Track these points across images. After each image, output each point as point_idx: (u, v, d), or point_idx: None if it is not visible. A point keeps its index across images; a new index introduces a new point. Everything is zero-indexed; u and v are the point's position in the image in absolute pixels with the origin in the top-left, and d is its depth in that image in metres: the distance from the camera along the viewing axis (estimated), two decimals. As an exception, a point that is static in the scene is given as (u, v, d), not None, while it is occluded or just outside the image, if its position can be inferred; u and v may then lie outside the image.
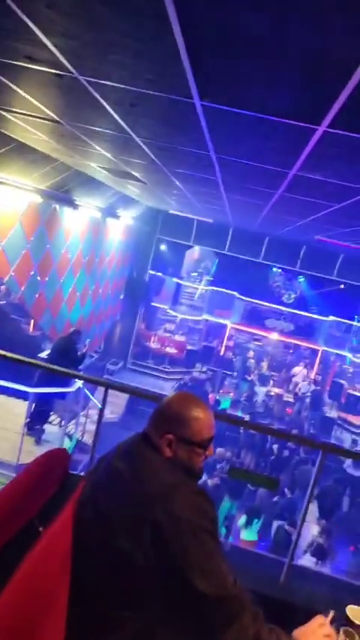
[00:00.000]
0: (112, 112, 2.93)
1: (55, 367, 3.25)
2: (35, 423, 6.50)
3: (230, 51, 1.67)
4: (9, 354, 3.14)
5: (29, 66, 2.29)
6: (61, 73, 2.27)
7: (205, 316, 16.08)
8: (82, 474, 7.40)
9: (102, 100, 2.70)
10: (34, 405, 6.33)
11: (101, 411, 2.88)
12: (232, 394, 13.02)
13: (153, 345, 14.54)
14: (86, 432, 9.31)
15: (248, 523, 6.51)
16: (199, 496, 1.18)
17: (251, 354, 15.09)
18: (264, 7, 1.32)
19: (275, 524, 6.66)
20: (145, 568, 1.12)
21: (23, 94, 2.93)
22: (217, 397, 12.41)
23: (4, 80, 2.69)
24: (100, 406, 9.31)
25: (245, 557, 3.08)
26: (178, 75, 1.98)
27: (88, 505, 1.32)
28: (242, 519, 6.60)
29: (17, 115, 3.73)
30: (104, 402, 2.95)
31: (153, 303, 15.26)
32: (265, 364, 14.50)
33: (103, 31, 1.72)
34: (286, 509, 6.90)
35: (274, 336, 15.84)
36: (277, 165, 3.39)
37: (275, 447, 9.04)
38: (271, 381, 13.67)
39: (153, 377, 13.91)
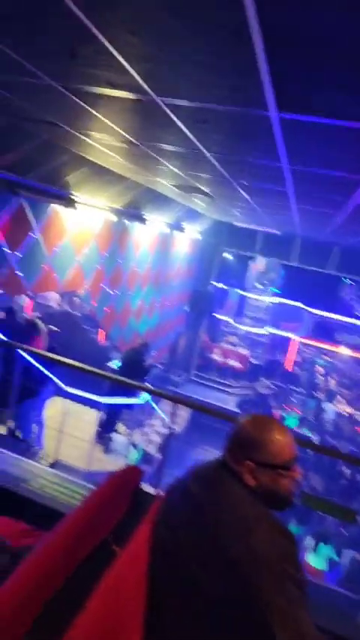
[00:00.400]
0: (185, 129, 2.97)
1: (127, 380, 3.33)
2: (104, 431, 6.70)
3: (313, 59, 1.62)
4: (86, 367, 3.27)
5: (109, 91, 2.39)
6: (139, 96, 2.34)
7: (270, 329, 15.70)
8: (151, 489, 7.48)
9: (176, 119, 2.75)
10: (103, 413, 6.52)
11: (169, 426, 2.88)
12: (298, 411, 12.53)
13: (216, 357, 14.47)
14: (150, 442, 9.43)
15: (315, 548, 6.17)
16: (282, 536, 1.10)
17: (319, 369, 14.45)
18: (347, 10, 1.27)
19: (347, 553, 6.24)
20: (217, 601, 1.07)
21: (102, 118, 3.07)
22: (283, 414, 12.00)
23: (86, 106, 2.83)
24: (164, 416, 9.41)
25: (314, 589, 2.88)
26: (255, 87, 1.96)
27: (164, 529, 1.30)
28: (309, 541, 6.28)
29: (95, 138, 3.92)
30: (173, 416, 2.94)
31: (216, 315, 15.22)
32: (333, 381, 13.81)
33: (183, 51, 1.75)
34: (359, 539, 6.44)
35: (345, 350, 15.05)
36: (356, 172, 3.24)
37: (347, 471, 8.51)
38: (341, 399, 12.97)
39: (216, 390, 13.76)
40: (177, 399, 2.96)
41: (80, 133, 3.86)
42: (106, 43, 1.80)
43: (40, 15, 1.69)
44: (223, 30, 1.51)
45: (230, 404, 12.32)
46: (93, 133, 3.71)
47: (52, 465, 6.00)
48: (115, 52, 1.87)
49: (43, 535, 2.13)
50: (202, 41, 1.61)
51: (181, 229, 10.32)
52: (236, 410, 11.31)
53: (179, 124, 2.83)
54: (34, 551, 1.47)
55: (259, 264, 16.23)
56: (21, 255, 6.39)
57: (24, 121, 4.00)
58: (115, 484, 1.87)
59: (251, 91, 2.03)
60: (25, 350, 3.58)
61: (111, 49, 1.85)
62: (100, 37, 1.74)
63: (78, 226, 7.27)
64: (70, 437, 5.93)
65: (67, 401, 6.06)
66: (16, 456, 3.85)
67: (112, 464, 6.66)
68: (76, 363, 3.29)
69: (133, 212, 7.76)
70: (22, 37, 1.95)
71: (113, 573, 1.31)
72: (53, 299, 7.38)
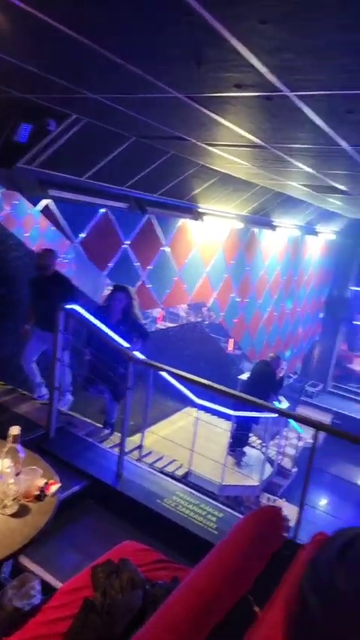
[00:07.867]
0: (321, 124, 2.65)
1: (256, 399, 3.12)
2: (235, 444, 6.54)
3: None
4: (215, 385, 3.14)
5: (237, 94, 2.23)
6: (270, 94, 2.13)
7: None
8: (286, 504, 7.07)
9: (311, 114, 2.46)
10: (234, 426, 6.38)
11: (311, 458, 2.56)
12: None
13: (357, 367, 13.30)
14: (285, 455, 8.96)
15: None
16: None
17: None
18: None
19: None
20: None
21: (228, 124, 2.93)
22: None
23: (212, 114, 2.72)
24: (299, 430, 8.82)
25: None
26: None
27: (315, 592, 1.04)
28: None
29: (221, 147, 3.82)
30: (314, 446, 2.61)
31: (356, 322, 13.98)
32: None
33: (324, 33, 1.49)
34: None
35: None
36: None
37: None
38: None
39: (356, 402, 12.70)
40: (319, 426, 2.62)
41: (206, 144, 3.80)
42: (233, 40, 1.63)
43: (163, 23, 1.61)
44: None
45: (373, 419, 11.17)
46: (218, 141, 3.61)
47: (185, 476, 6.05)
48: (242, 49, 1.70)
49: (176, 570, 2.03)
50: (353, 12, 1.33)
51: (314, 232, 9.69)
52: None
53: (314, 118, 2.53)
54: (170, 603, 1.34)
55: None
56: (151, 270, 6.65)
57: (152, 139, 4.10)
58: (251, 529, 1.67)
59: None
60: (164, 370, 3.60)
61: (239, 46, 1.68)
62: (226, 33, 1.58)
63: (205, 237, 7.31)
64: (202, 448, 5.90)
65: (200, 412, 6.06)
66: (154, 471, 3.91)
67: (245, 478, 6.45)
68: (205, 381, 3.19)
69: (262, 219, 7.51)
70: (144, 49, 1.92)
71: None
72: (182, 310, 7.53)
